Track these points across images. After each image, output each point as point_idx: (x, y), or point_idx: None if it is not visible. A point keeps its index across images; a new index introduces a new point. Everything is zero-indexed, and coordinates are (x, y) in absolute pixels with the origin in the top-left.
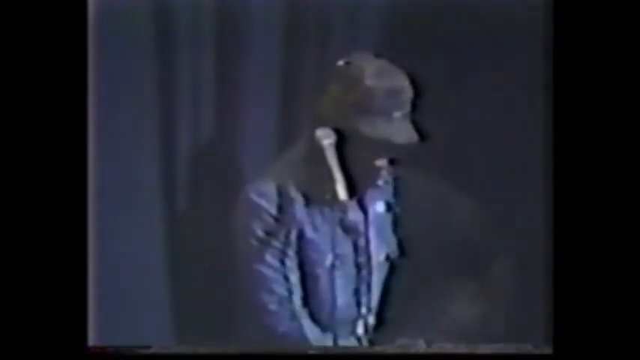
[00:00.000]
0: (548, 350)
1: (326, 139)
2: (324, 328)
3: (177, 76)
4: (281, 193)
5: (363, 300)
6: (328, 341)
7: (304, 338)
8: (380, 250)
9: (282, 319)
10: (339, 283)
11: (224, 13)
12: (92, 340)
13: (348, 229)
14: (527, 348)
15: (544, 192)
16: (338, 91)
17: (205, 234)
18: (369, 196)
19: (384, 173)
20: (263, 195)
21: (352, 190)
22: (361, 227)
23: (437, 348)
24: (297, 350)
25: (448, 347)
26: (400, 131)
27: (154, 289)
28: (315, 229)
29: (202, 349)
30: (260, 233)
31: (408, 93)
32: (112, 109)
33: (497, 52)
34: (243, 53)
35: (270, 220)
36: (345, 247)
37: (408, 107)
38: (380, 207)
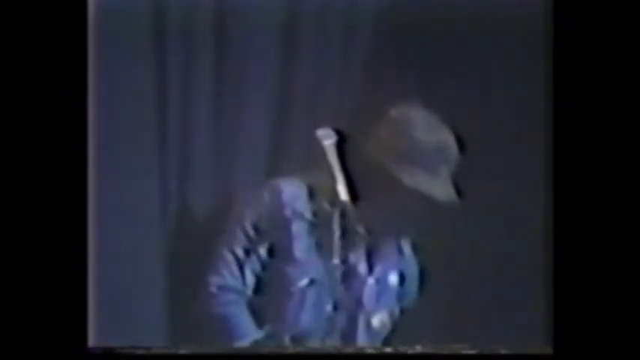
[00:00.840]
0: (548, 350)
1: (327, 139)
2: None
3: (177, 76)
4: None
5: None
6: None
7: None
8: (375, 313)
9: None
10: (309, 304)
11: (224, 13)
12: (92, 340)
13: (347, 277)
14: (527, 348)
15: (544, 192)
16: (385, 138)
17: (204, 235)
18: (384, 264)
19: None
20: (277, 193)
21: (354, 191)
22: (362, 280)
23: (437, 348)
24: (297, 350)
25: (448, 347)
26: (441, 188)
27: (154, 289)
28: (304, 248)
29: (201, 350)
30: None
31: (454, 151)
32: (112, 109)
33: (497, 54)
34: (242, 53)
35: (261, 219)
36: (327, 274)
37: (452, 166)
38: (393, 278)
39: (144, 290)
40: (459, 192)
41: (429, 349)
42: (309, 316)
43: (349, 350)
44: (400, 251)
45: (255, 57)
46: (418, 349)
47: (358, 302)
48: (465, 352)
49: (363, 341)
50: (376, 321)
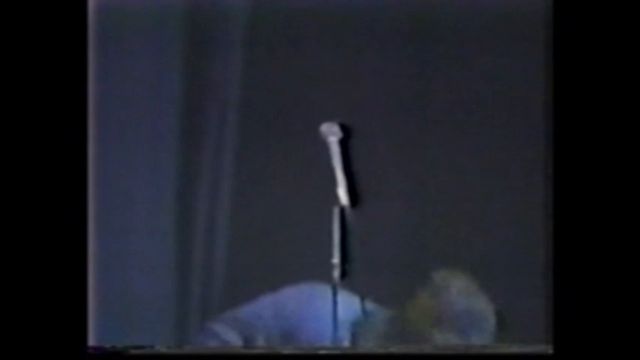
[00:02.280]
0: (548, 350)
1: (331, 135)
2: None
3: (177, 75)
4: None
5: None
6: None
7: None
8: None
9: None
10: None
11: (223, 12)
12: (92, 340)
13: None
14: (527, 348)
15: (544, 192)
16: (424, 299)
17: (205, 234)
18: None
19: None
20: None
21: (355, 196)
22: None
23: (437, 348)
24: (298, 351)
25: (448, 347)
26: None
27: (154, 289)
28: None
29: (200, 350)
30: None
31: (490, 321)
32: (112, 109)
33: (497, 54)
34: (241, 52)
35: None
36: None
37: (486, 334)
38: None
39: (143, 291)
40: None
41: (430, 349)
42: None
43: (349, 350)
44: None
45: (256, 56)
46: (418, 348)
47: None
48: (465, 351)
49: None
50: None
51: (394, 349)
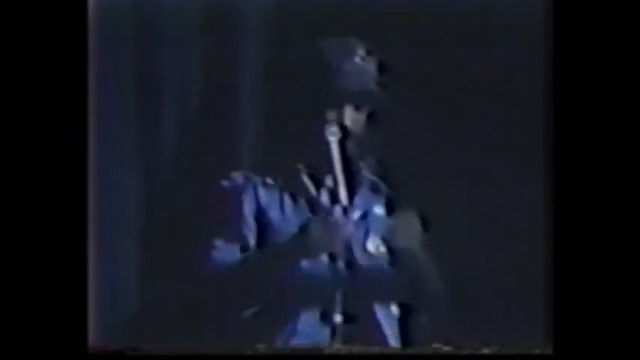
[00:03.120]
0: (548, 350)
1: (331, 135)
2: None
3: (176, 74)
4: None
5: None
6: None
7: None
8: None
9: None
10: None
11: (222, 12)
12: (92, 340)
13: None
14: (527, 348)
15: (544, 192)
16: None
17: (205, 234)
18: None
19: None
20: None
21: (353, 192)
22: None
23: (437, 348)
24: (299, 351)
25: (448, 347)
26: (357, 81)
27: (154, 290)
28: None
29: (200, 349)
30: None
31: (356, 49)
32: (112, 109)
33: (497, 54)
34: (239, 51)
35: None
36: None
37: (356, 61)
38: (378, 210)
39: (144, 291)
40: (379, 85)
41: (429, 349)
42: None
43: (349, 351)
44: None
45: (253, 55)
46: (418, 349)
47: (349, 235)
48: (465, 352)
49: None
50: (371, 246)
51: (394, 349)
